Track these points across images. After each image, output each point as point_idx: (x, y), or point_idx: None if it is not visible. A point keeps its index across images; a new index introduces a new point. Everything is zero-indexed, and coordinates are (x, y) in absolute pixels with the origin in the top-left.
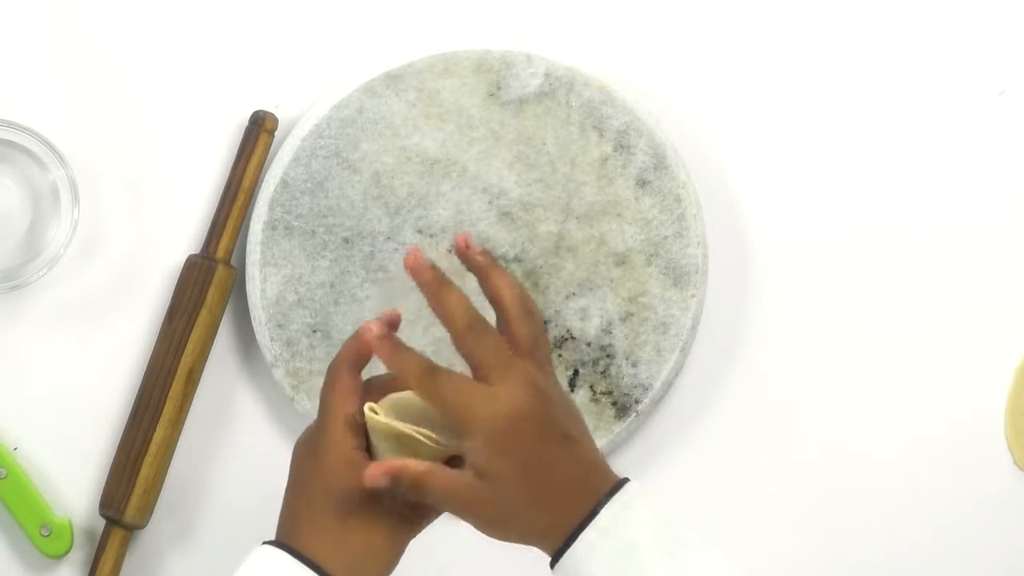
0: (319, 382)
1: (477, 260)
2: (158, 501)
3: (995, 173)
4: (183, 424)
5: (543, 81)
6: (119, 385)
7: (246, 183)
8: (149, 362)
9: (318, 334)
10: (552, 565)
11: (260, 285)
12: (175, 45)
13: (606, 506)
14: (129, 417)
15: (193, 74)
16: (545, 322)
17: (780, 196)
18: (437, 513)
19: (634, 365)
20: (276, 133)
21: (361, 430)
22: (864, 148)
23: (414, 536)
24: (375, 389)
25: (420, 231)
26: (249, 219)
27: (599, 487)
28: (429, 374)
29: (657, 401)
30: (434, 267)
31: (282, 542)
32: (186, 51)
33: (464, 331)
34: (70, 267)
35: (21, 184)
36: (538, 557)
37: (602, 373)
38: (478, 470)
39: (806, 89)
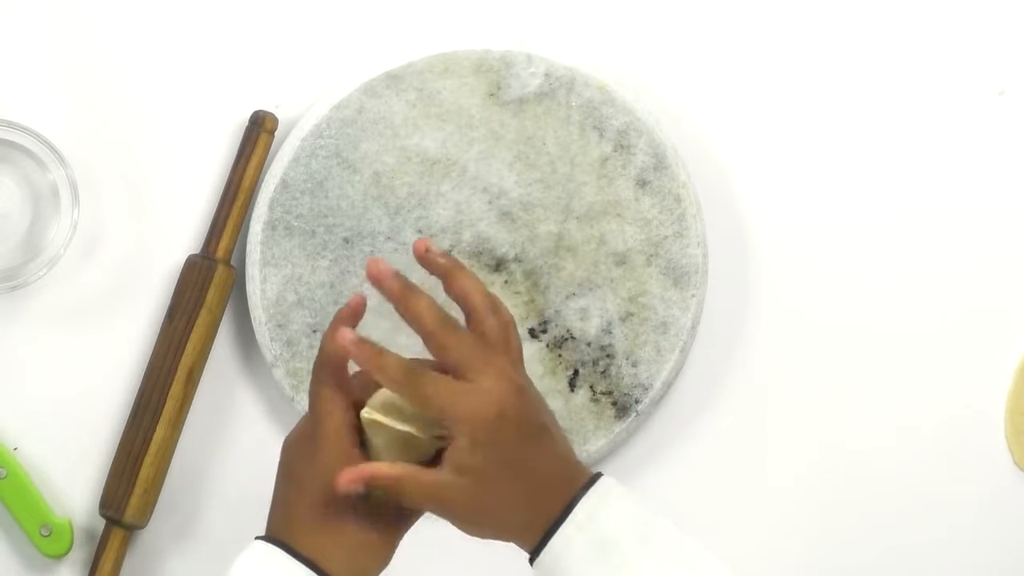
0: (313, 366)
1: (439, 263)
2: (158, 501)
3: (995, 173)
4: (183, 424)
5: (543, 81)
6: (119, 385)
7: (246, 183)
8: (149, 362)
9: (318, 334)
10: (531, 561)
11: (260, 285)
12: (175, 45)
13: (582, 500)
14: (129, 417)
15: (193, 74)
16: (545, 322)
17: (780, 196)
18: (428, 511)
19: (634, 365)
20: (276, 133)
21: (357, 427)
22: (864, 148)
23: (408, 529)
24: (364, 381)
25: (420, 231)
26: (249, 219)
27: (574, 481)
28: (410, 376)
29: (657, 401)
30: (396, 275)
31: (277, 538)
32: (186, 51)
33: (435, 333)
34: (70, 267)
35: (21, 184)
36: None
37: (602, 373)
38: (458, 467)
39: (806, 89)
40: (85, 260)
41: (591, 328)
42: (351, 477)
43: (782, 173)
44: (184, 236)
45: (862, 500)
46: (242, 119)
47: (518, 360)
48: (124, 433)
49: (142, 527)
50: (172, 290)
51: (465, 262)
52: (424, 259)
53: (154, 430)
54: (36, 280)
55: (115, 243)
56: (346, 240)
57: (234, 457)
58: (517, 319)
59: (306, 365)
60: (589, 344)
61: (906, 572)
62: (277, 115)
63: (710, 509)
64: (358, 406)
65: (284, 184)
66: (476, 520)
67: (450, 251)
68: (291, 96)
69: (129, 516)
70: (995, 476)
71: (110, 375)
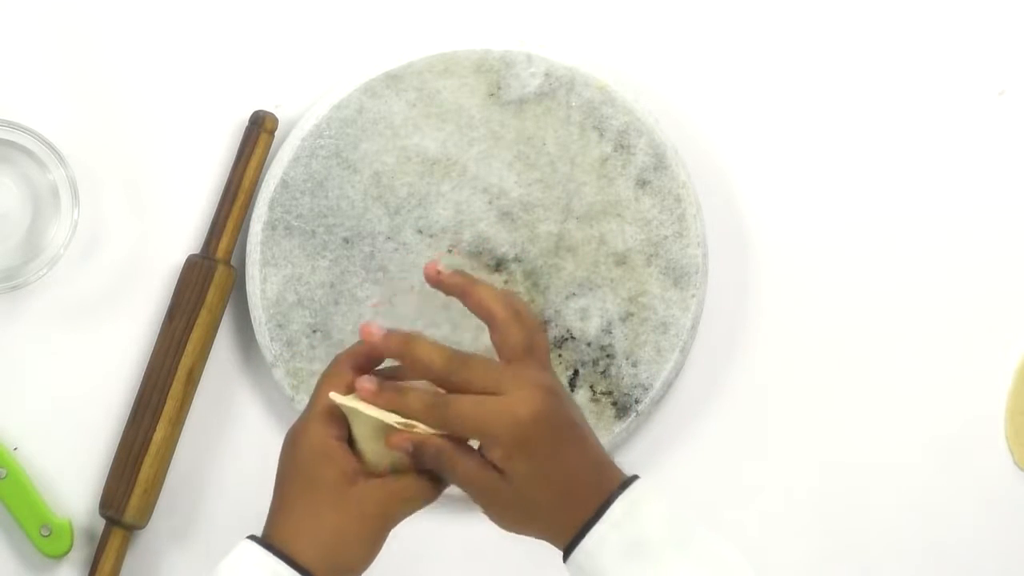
0: (318, 380)
1: (454, 282)
2: (158, 501)
3: (995, 173)
4: (183, 424)
5: (543, 81)
6: (119, 385)
7: (246, 183)
8: (149, 362)
9: (318, 334)
10: (564, 559)
11: (260, 285)
12: (175, 45)
13: (618, 499)
14: (129, 417)
15: (193, 74)
16: (545, 322)
17: (780, 196)
18: (415, 505)
19: (634, 365)
20: (276, 133)
21: (342, 420)
22: (864, 148)
23: (392, 525)
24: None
25: (420, 231)
26: (249, 219)
27: (610, 482)
28: (435, 409)
29: (657, 401)
30: (389, 334)
31: (260, 535)
32: (186, 51)
33: (449, 373)
34: (70, 267)
35: (21, 184)
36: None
37: (602, 373)
38: (499, 470)
39: (806, 89)
40: (85, 260)
41: (591, 328)
42: (401, 437)
43: (782, 173)
44: (184, 236)
45: (862, 500)
46: (242, 119)
47: (546, 363)
48: (124, 433)
49: (142, 527)
50: (172, 290)
51: (465, 262)
52: (437, 282)
53: (154, 430)
54: (36, 280)
55: (115, 243)
56: (346, 240)
57: (234, 457)
58: None
59: (306, 365)
60: (589, 344)
61: (906, 572)
62: (277, 115)
63: (710, 509)
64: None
65: (284, 184)
66: (510, 517)
67: (450, 251)
68: (291, 96)
69: (129, 516)
70: (995, 476)
71: (110, 375)
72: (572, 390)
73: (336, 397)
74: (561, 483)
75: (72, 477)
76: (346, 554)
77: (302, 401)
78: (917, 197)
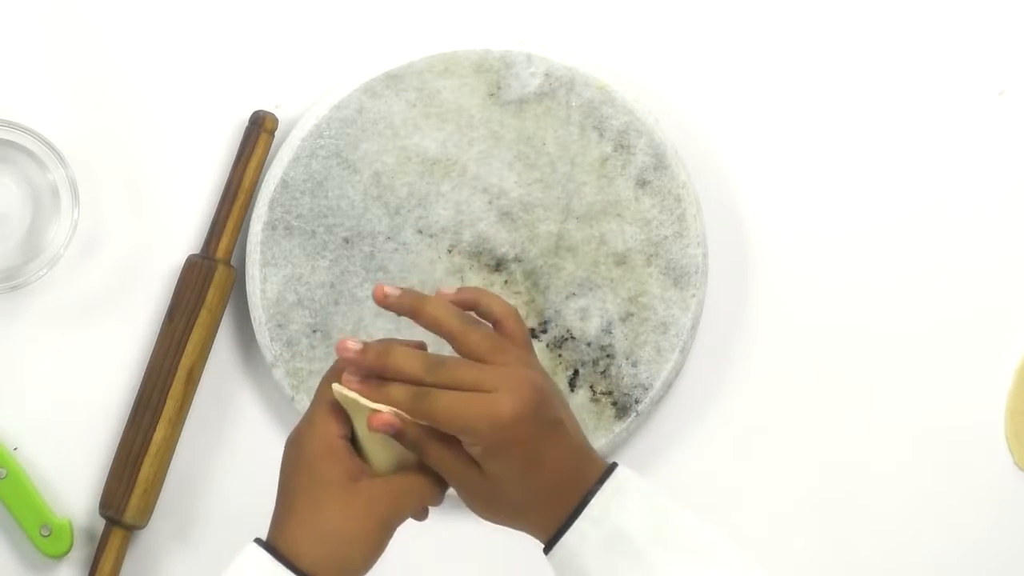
0: (319, 382)
1: (404, 302)
2: (158, 501)
3: (995, 173)
4: (183, 424)
5: (543, 81)
6: (119, 385)
7: (246, 183)
8: (149, 362)
9: (318, 334)
10: (545, 551)
11: (260, 285)
12: (175, 45)
13: (596, 494)
14: (129, 417)
15: (193, 74)
16: (545, 322)
17: (780, 196)
18: (419, 504)
19: (634, 365)
20: (276, 133)
21: (345, 419)
22: (864, 148)
23: (397, 524)
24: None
25: (420, 231)
26: (249, 219)
27: (590, 474)
28: (418, 400)
29: (657, 401)
30: (363, 347)
31: (265, 539)
32: (186, 51)
33: (427, 376)
34: (70, 267)
35: (21, 184)
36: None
37: (602, 373)
38: (479, 465)
39: (806, 89)
40: (85, 260)
41: (591, 328)
42: (382, 419)
43: (782, 173)
44: (184, 236)
45: (862, 500)
46: (242, 119)
47: (524, 347)
48: (124, 433)
49: (142, 527)
50: (172, 290)
51: (465, 262)
52: (386, 305)
53: (154, 430)
54: (36, 280)
55: (115, 243)
56: (346, 240)
57: (234, 457)
58: None
59: (306, 365)
60: (589, 344)
61: (907, 572)
62: (277, 115)
63: (710, 509)
64: None
65: (284, 184)
66: (490, 510)
67: (450, 251)
68: (291, 96)
69: (129, 516)
70: (995, 476)
71: (110, 375)
72: (572, 390)
73: (338, 389)
74: (540, 482)
75: (72, 477)
76: (351, 553)
77: (302, 401)
78: (917, 197)
